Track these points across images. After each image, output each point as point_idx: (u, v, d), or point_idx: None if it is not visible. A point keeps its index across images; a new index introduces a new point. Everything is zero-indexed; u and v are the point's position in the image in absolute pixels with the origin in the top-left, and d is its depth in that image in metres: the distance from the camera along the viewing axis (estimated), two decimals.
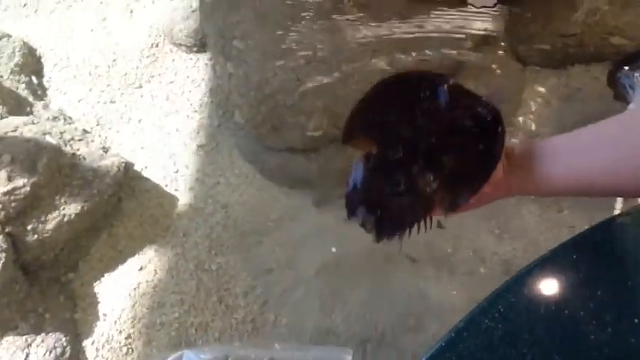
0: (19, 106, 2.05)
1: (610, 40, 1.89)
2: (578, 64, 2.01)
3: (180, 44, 2.37)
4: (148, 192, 2.10)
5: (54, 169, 1.79)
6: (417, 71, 0.69)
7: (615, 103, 1.71)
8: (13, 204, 1.68)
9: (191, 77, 2.34)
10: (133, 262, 1.96)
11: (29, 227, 1.73)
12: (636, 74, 1.63)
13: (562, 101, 1.96)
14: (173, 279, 1.90)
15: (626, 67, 1.66)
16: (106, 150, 2.01)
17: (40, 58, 2.40)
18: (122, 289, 1.91)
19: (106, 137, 2.23)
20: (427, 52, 1.83)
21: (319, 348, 1.30)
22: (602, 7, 1.88)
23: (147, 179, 2.13)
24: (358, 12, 1.82)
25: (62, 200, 1.79)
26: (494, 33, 1.90)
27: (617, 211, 1.52)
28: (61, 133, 1.94)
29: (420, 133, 0.65)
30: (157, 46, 2.40)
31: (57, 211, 1.77)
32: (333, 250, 1.87)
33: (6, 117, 1.91)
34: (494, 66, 1.97)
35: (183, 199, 2.08)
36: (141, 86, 2.34)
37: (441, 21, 1.82)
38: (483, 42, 1.92)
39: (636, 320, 0.70)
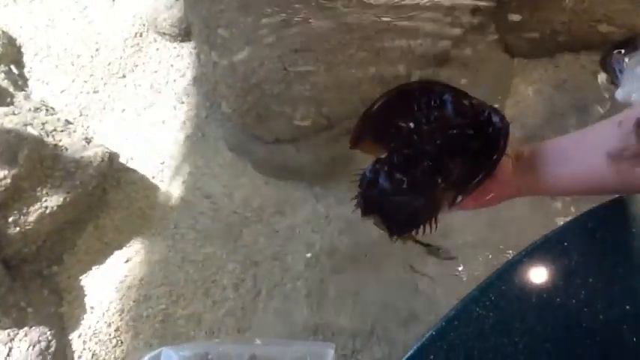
0: None
1: (598, 27, 1.89)
2: (567, 52, 2.00)
3: (165, 33, 2.33)
4: (134, 183, 2.07)
5: (35, 160, 1.75)
6: (421, 81, 0.78)
7: (604, 91, 1.73)
8: None
9: (175, 66, 2.30)
10: (119, 255, 1.94)
11: (10, 219, 1.70)
12: (626, 59, 1.68)
13: (551, 90, 1.96)
14: (160, 271, 1.88)
15: (617, 52, 1.71)
16: (88, 141, 1.98)
17: (20, 47, 2.34)
18: (109, 282, 1.89)
19: (88, 127, 2.19)
20: (415, 41, 1.82)
21: (301, 343, 1.29)
22: None
23: (133, 170, 2.10)
24: None
25: (44, 192, 1.76)
26: (486, 3, 1.87)
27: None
28: (43, 124, 1.90)
29: (426, 138, 0.72)
30: (140, 35, 2.36)
31: (38, 203, 1.74)
32: (323, 241, 1.86)
33: None
34: (482, 55, 1.96)
35: (170, 190, 2.06)
36: (124, 76, 2.30)
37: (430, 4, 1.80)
38: (472, 30, 1.90)
39: (628, 307, 0.70)
